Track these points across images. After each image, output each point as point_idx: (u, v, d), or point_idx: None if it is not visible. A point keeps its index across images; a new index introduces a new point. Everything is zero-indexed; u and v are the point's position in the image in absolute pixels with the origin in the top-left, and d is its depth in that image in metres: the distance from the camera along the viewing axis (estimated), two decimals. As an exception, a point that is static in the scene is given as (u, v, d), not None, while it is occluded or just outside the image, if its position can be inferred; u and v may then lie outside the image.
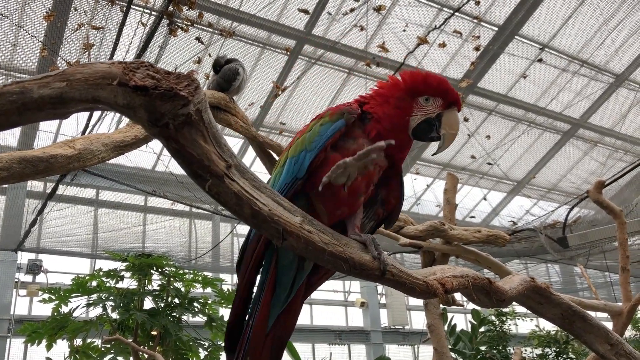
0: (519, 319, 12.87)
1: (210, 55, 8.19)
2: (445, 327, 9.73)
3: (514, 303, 2.18)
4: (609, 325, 4.60)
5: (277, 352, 1.96)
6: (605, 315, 4.73)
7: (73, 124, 9.02)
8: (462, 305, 5.01)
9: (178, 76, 1.19)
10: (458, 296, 4.08)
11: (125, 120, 4.59)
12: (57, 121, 11.12)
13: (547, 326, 12.51)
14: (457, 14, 9.51)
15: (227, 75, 3.98)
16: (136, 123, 1.22)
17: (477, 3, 8.41)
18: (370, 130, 1.78)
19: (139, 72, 1.15)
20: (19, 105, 1.14)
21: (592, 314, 2.76)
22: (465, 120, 11.23)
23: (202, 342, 7.96)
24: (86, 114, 8.06)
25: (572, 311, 2.25)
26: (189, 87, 1.18)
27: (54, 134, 11.25)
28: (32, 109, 1.15)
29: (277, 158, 4.18)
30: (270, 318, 1.92)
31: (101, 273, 8.07)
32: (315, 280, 2.00)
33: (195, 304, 8.20)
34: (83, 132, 7.85)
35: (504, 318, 12.26)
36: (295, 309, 1.98)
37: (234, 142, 12.01)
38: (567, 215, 9.72)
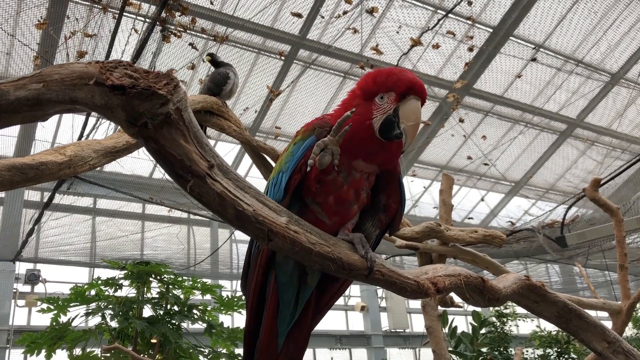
0: (519, 319, 12.83)
1: (204, 62, 8.21)
2: (446, 329, 9.71)
3: (514, 304, 2.16)
4: (609, 324, 4.58)
5: None
6: (606, 314, 4.71)
7: (68, 132, 9.01)
8: (461, 307, 4.98)
9: (157, 75, 1.16)
10: (457, 298, 4.06)
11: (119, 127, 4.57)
12: (53, 130, 11.13)
13: (548, 327, 12.48)
14: (451, 15, 9.51)
15: (217, 80, 3.97)
16: (115, 123, 1.20)
17: (470, 3, 8.40)
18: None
19: (116, 72, 1.13)
20: (-5, 108, 1.11)
21: (593, 313, 2.74)
22: (461, 121, 11.22)
23: (202, 349, 7.91)
24: (81, 122, 8.05)
25: (568, 309, 2.22)
26: (168, 86, 1.15)
27: (50, 143, 11.23)
28: (8, 112, 1.13)
29: (271, 162, 4.16)
30: (279, 336, 1.91)
31: (100, 282, 8.02)
32: (325, 299, 1.98)
33: (195, 311, 8.16)
34: (79, 140, 7.82)
35: (505, 319, 12.23)
36: (306, 326, 1.95)
37: (230, 148, 12.01)
38: (565, 215, 9.69)
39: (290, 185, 1.72)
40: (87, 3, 7.76)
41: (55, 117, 11.75)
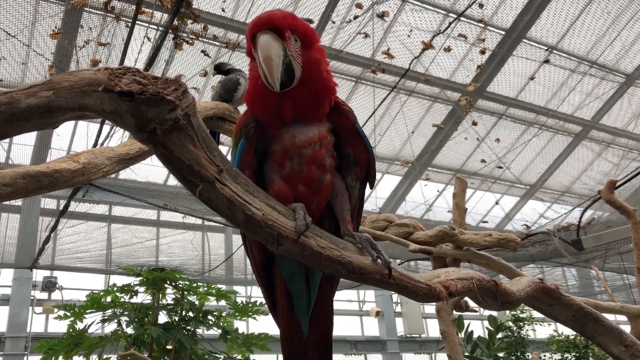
0: (536, 324, 12.68)
1: (213, 75, 8.27)
2: (462, 334, 9.64)
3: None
4: (627, 328, 4.52)
5: (324, 356, 1.89)
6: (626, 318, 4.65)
7: (83, 140, 9.10)
8: (476, 311, 4.94)
9: (166, 81, 1.17)
10: (472, 302, 4.03)
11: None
12: (68, 138, 11.25)
13: (566, 331, 12.33)
14: (464, 18, 9.49)
15: (228, 86, 3.99)
16: (124, 129, 1.21)
17: (481, 6, 8.36)
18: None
19: (125, 78, 1.13)
20: (7, 115, 1.13)
21: (611, 317, 2.71)
22: (474, 124, 11.17)
23: (217, 355, 7.92)
24: (96, 129, 8.13)
25: (584, 312, 2.20)
26: (176, 92, 1.16)
27: (65, 151, 11.34)
28: (20, 119, 1.14)
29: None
30: (302, 325, 1.85)
31: (115, 288, 8.07)
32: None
33: (210, 317, 8.17)
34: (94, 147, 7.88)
35: (522, 323, 12.11)
36: (326, 306, 1.89)
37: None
38: (581, 217, 9.58)
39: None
40: (100, 12, 7.85)
41: (71, 125, 11.88)
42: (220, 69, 4.37)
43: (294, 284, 1.81)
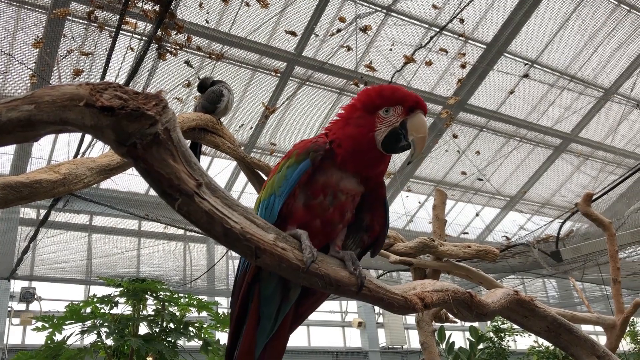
0: (517, 334, 12.80)
1: (199, 79, 8.27)
2: (444, 345, 9.68)
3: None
4: (603, 338, 4.59)
5: None
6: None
7: (65, 150, 9.03)
8: (456, 322, 4.98)
9: (146, 96, 1.19)
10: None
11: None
12: (49, 147, 11.15)
13: (546, 342, 12.42)
14: (445, 32, 9.62)
15: (211, 98, 4.01)
16: (104, 143, 1.22)
17: (462, 21, 8.50)
18: (336, 156, 1.77)
19: (106, 93, 1.15)
20: (-13, 129, 1.14)
21: (590, 328, 2.76)
22: (455, 137, 11.29)
23: (198, 367, 7.88)
24: (77, 139, 8.09)
25: (558, 324, 2.25)
26: (156, 107, 1.18)
27: (46, 160, 11.23)
28: (1, 132, 1.15)
29: (265, 178, 4.18)
30: (257, 348, 1.93)
31: (95, 299, 8.00)
32: (301, 311, 2.01)
33: (191, 329, 8.13)
34: (75, 157, 7.82)
35: (503, 334, 12.20)
36: (283, 338, 1.98)
37: (226, 164, 12.03)
38: (560, 229, 9.71)
39: (283, 210, 1.77)
40: (83, 22, 7.83)
41: (52, 134, 11.72)
42: (205, 85, 4.35)
43: (267, 307, 1.90)
